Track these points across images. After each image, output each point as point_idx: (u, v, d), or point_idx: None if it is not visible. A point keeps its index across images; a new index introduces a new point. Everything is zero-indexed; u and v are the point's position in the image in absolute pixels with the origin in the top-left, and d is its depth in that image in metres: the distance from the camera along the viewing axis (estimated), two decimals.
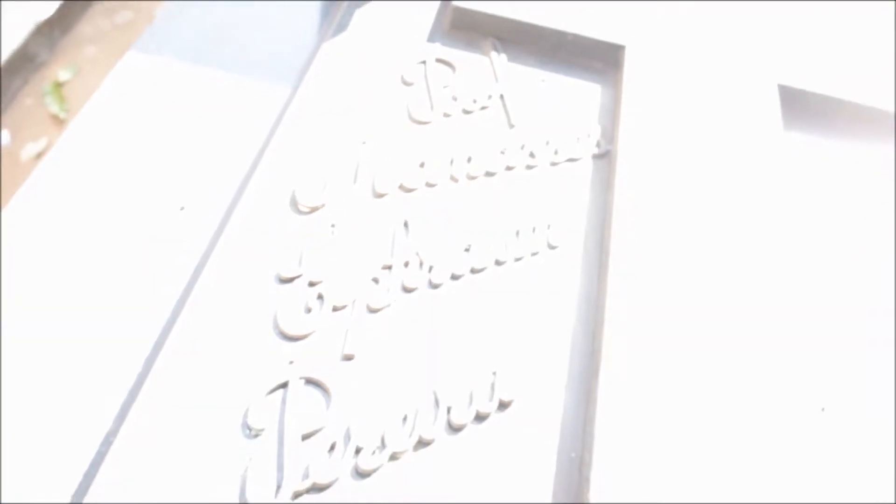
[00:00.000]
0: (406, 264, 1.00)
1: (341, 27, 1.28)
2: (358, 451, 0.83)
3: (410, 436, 0.85)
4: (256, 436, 0.82)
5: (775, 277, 1.03)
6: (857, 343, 1.05)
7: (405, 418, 0.86)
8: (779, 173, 1.16)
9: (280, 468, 0.80)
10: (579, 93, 1.29)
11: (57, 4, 2.64)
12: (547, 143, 1.19)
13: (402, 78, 1.24)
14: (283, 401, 0.85)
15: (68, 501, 0.76)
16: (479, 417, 0.88)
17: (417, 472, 0.83)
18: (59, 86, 2.55)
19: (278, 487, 0.79)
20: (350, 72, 1.21)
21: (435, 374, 0.91)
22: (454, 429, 0.87)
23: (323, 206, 1.03)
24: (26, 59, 2.55)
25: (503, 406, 0.90)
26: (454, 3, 1.33)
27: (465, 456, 0.85)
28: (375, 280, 0.98)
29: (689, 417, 0.88)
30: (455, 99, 1.23)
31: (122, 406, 0.83)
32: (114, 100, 1.13)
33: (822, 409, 0.95)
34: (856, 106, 1.32)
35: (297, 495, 0.79)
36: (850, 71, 1.38)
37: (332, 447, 0.83)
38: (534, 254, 1.05)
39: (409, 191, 1.09)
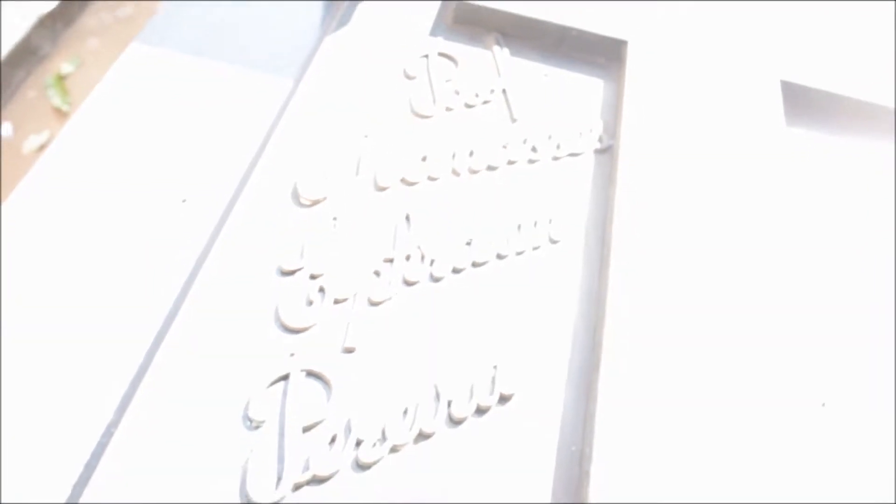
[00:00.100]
0: (407, 258, 1.00)
1: (344, 21, 1.27)
2: (358, 443, 0.83)
3: (411, 429, 0.85)
4: (257, 428, 0.82)
5: (776, 273, 1.03)
6: (858, 338, 1.05)
7: (406, 411, 0.86)
8: (781, 169, 1.16)
9: (281, 460, 0.80)
10: (582, 88, 1.29)
11: None
12: (549, 137, 1.19)
13: (405, 72, 1.24)
14: (284, 393, 0.85)
15: (69, 492, 0.76)
16: (480, 411, 0.88)
17: (418, 465, 0.84)
18: (61, 78, 2.55)
19: (279, 479, 0.79)
20: (352, 65, 1.21)
21: (436, 368, 0.91)
22: (455, 422, 0.87)
23: (325, 199, 1.03)
24: (29, 52, 2.55)
25: (504, 400, 0.90)
26: None
27: (465, 449, 0.85)
28: (377, 273, 0.98)
29: (690, 413, 0.89)
30: (457, 93, 1.23)
31: (123, 397, 0.83)
32: (116, 93, 1.13)
33: (823, 405, 0.95)
34: (858, 102, 1.32)
35: (297, 487, 0.79)
36: (853, 67, 1.38)
37: (333, 439, 0.83)
38: (535, 248, 1.05)
39: (411, 184, 1.09)
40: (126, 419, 0.80)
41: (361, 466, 0.82)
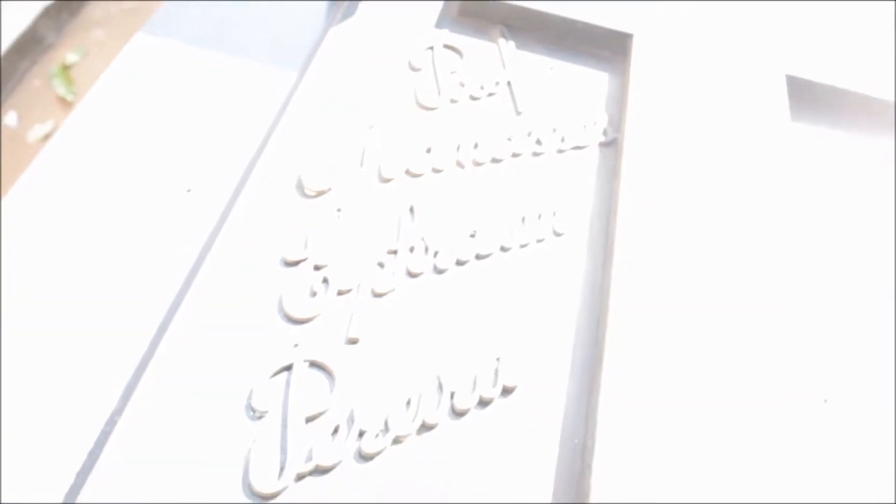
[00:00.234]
0: (411, 249, 1.00)
1: (349, 12, 1.27)
2: (361, 434, 0.83)
3: (414, 420, 0.85)
4: (260, 418, 0.82)
5: (780, 268, 1.03)
6: (861, 334, 1.05)
7: (409, 402, 0.87)
8: (786, 164, 1.15)
9: (283, 450, 0.80)
10: (587, 81, 1.29)
11: None
12: (554, 130, 1.18)
13: (410, 63, 1.24)
14: (287, 383, 0.85)
15: (72, 481, 0.76)
16: (483, 403, 0.89)
17: (420, 456, 0.84)
18: (66, 68, 2.55)
19: (281, 469, 0.79)
20: (357, 57, 1.21)
21: (439, 359, 0.91)
22: (457, 414, 0.87)
23: (329, 190, 1.03)
24: (34, 41, 2.55)
25: (507, 392, 0.90)
26: None
27: (467, 441, 0.86)
28: (381, 265, 0.98)
29: (693, 407, 0.89)
30: (462, 85, 1.22)
31: (126, 387, 0.83)
32: (121, 83, 1.13)
33: (825, 401, 0.95)
34: (864, 97, 1.32)
35: (300, 477, 0.79)
36: (859, 62, 1.38)
37: (336, 430, 0.83)
38: (539, 241, 1.05)
39: (416, 176, 1.09)
40: (129, 408, 0.80)
41: (364, 457, 0.82)
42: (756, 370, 0.93)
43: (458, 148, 1.13)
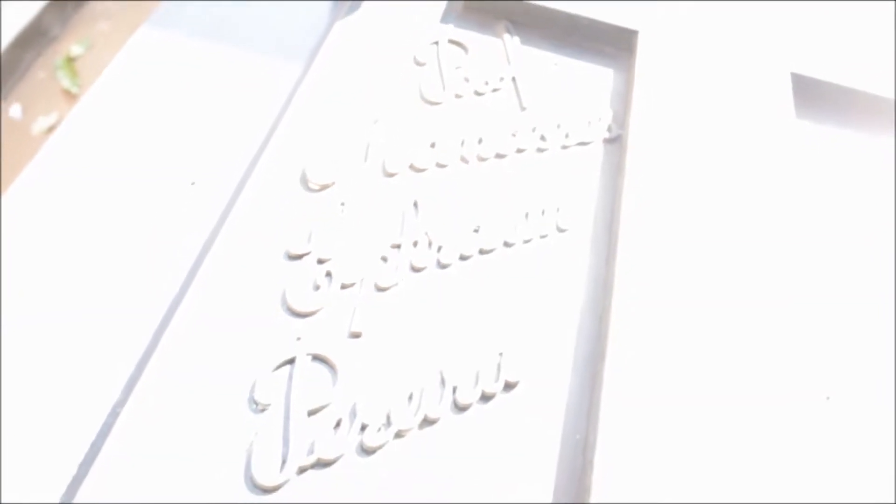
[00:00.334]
0: (415, 244, 1.00)
1: (355, 7, 1.27)
2: (363, 428, 0.83)
3: (416, 414, 0.85)
4: (263, 410, 0.82)
5: (783, 265, 1.03)
6: (864, 331, 1.05)
7: (411, 397, 0.87)
8: (790, 161, 1.15)
9: (286, 443, 0.80)
10: (591, 77, 1.29)
11: None
12: (558, 126, 1.18)
13: (415, 58, 1.24)
14: (290, 376, 0.85)
15: (75, 471, 0.76)
16: (485, 398, 0.89)
17: (422, 450, 0.84)
18: (71, 60, 2.55)
19: (283, 462, 0.79)
20: (363, 51, 1.21)
21: (441, 354, 0.91)
22: (460, 408, 0.87)
23: (333, 184, 1.03)
24: (39, 33, 2.54)
25: (509, 387, 0.90)
26: None
27: (469, 436, 0.86)
28: (384, 259, 0.98)
29: (695, 404, 0.89)
30: (467, 80, 1.22)
31: (129, 378, 0.83)
32: (125, 75, 1.13)
33: (828, 398, 0.95)
34: (868, 95, 1.32)
35: (302, 470, 0.79)
36: (864, 60, 1.37)
37: (338, 423, 0.83)
38: (543, 236, 1.05)
39: (420, 171, 1.09)
40: (132, 400, 0.80)
41: (366, 451, 0.82)
42: (758, 367, 0.93)
43: (462, 143, 1.13)
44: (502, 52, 1.29)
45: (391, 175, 1.07)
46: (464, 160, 1.11)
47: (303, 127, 1.08)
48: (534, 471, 0.85)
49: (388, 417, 0.84)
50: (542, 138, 1.17)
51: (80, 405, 0.80)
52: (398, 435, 0.84)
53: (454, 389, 0.88)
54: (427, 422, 0.86)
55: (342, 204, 1.02)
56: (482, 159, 1.12)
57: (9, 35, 2.40)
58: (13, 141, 2.28)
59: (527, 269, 1.02)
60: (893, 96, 1.32)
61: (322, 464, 0.80)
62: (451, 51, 1.27)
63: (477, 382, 0.89)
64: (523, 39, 1.31)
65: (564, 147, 1.17)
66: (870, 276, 1.12)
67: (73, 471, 0.76)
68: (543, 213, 1.07)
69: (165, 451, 0.78)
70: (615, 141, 1.19)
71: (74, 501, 0.74)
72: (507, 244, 1.03)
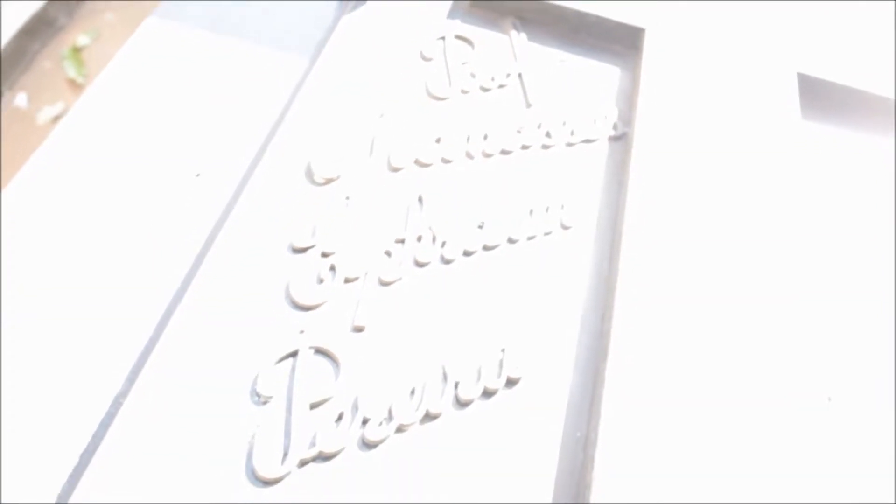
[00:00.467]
0: (419, 239, 1.00)
1: (361, 1, 1.27)
2: (365, 422, 0.83)
3: (417, 409, 0.85)
4: (265, 403, 0.83)
5: (786, 266, 1.03)
6: (866, 332, 1.05)
7: (413, 391, 0.87)
8: (794, 162, 1.15)
9: (287, 435, 0.81)
10: (598, 75, 1.29)
11: None
12: (564, 123, 1.18)
13: (422, 53, 1.24)
14: (293, 369, 0.86)
15: (76, 461, 0.76)
16: (487, 393, 0.89)
17: (423, 445, 0.84)
18: (77, 50, 2.55)
19: (285, 455, 0.79)
20: (369, 45, 1.21)
21: (444, 349, 0.91)
22: (461, 404, 0.87)
23: (338, 177, 1.03)
24: (45, 23, 2.54)
25: (511, 383, 0.90)
26: None
27: (471, 431, 0.86)
28: (388, 253, 0.98)
29: (696, 403, 0.89)
30: (473, 76, 1.22)
31: (131, 370, 0.83)
32: (131, 66, 1.13)
33: (829, 399, 0.95)
34: (875, 97, 1.32)
35: (303, 463, 0.80)
36: (870, 62, 1.37)
37: (340, 417, 0.83)
38: (547, 233, 1.05)
39: (425, 166, 1.09)
40: (134, 391, 0.80)
41: (367, 445, 0.82)
42: (760, 367, 0.93)
43: (467, 139, 1.13)
44: (509, 48, 1.29)
45: (396, 170, 1.07)
46: (469, 156, 1.12)
47: (308, 120, 1.08)
48: (534, 467, 0.85)
49: (390, 412, 0.85)
50: (548, 135, 1.17)
51: (83, 395, 0.80)
52: (399, 429, 0.84)
53: (456, 385, 0.88)
54: (429, 417, 0.86)
55: (347, 198, 1.02)
56: (487, 155, 1.12)
57: (16, 24, 2.40)
58: (19, 130, 2.28)
59: (530, 265, 1.02)
60: None
61: (323, 457, 0.81)
62: (457, 46, 1.27)
63: (479, 378, 0.89)
64: (530, 36, 1.31)
65: (570, 144, 1.17)
66: (872, 277, 1.12)
67: (75, 461, 0.76)
68: (548, 210, 1.07)
69: (167, 442, 0.78)
70: (620, 139, 1.19)
71: (77, 492, 0.74)
72: (511, 241, 1.03)
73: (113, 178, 0.99)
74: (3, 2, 2.39)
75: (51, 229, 0.93)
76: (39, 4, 2.49)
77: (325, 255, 0.96)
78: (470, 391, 0.88)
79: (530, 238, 1.04)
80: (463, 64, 1.24)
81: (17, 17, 2.42)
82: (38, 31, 2.51)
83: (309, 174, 1.03)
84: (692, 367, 0.91)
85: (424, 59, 1.23)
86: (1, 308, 0.85)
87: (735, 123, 1.19)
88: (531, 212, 1.06)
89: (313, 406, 0.83)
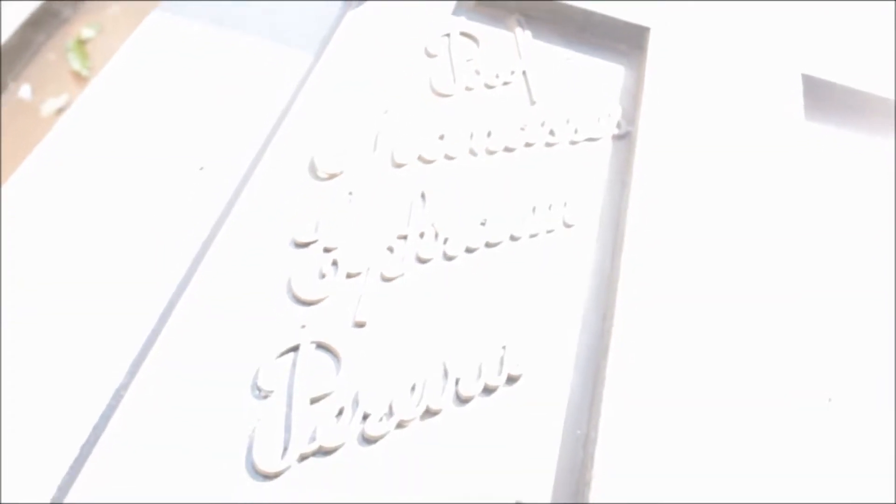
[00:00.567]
0: (421, 235, 1.00)
1: None
2: (365, 417, 0.83)
3: (418, 405, 0.86)
4: (266, 397, 0.83)
5: (788, 267, 1.03)
6: (867, 333, 1.05)
7: (413, 387, 0.87)
8: (797, 163, 1.15)
9: (287, 430, 0.81)
10: (602, 73, 1.29)
11: None
12: (567, 121, 1.18)
13: (426, 50, 1.24)
14: (294, 364, 0.86)
15: (77, 452, 0.76)
16: (487, 390, 0.89)
17: (423, 441, 0.84)
18: (82, 43, 2.54)
19: (285, 449, 0.79)
20: (374, 42, 1.21)
21: (445, 346, 0.91)
22: (462, 400, 0.88)
23: (341, 173, 1.03)
24: (50, 15, 2.54)
25: (511, 380, 0.90)
26: None
27: (471, 427, 0.86)
28: (390, 249, 0.98)
29: (696, 403, 0.89)
30: (478, 73, 1.22)
31: (132, 363, 0.83)
32: (136, 59, 1.13)
33: (829, 400, 0.95)
34: (878, 98, 1.31)
35: (303, 458, 0.80)
36: (874, 63, 1.37)
37: (340, 412, 0.83)
38: (549, 231, 1.05)
39: (428, 162, 1.09)
40: (135, 384, 0.80)
41: (367, 440, 0.82)
42: (761, 367, 0.93)
43: (471, 136, 1.13)
44: (514, 45, 1.28)
45: (399, 166, 1.07)
46: (472, 153, 1.12)
47: (312, 116, 1.08)
48: (534, 464, 0.85)
49: (391, 407, 0.85)
50: (551, 133, 1.17)
51: (85, 387, 0.81)
52: (400, 425, 0.84)
53: (457, 381, 0.88)
54: (429, 413, 0.86)
55: (350, 193, 1.02)
56: (491, 152, 1.12)
57: (20, 16, 2.40)
58: (22, 122, 2.28)
59: (532, 263, 1.02)
60: None
61: (323, 451, 0.81)
62: (462, 43, 1.27)
63: (480, 375, 0.89)
64: (535, 34, 1.31)
65: (573, 142, 1.17)
66: (874, 279, 1.12)
67: (76, 452, 0.76)
68: (550, 207, 1.07)
69: (168, 435, 0.78)
70: (624, 138, 1.19)
71: (78, 482, 0.74)
72: (513, 238, 1.03)
73: (116, 171, 0.99)
74: None
75: (54, 221, 0.93)
76: None
77: (327, 250, 0.96)
78: (470, 388, 0.88)
79: (532, 235, 1.04)
80: (468, 61, 1.24)
81: (23, 8, 2.42)
82: (43, 22, 2.50)
83: (312, 169, 1.03)
84: (692, 367, 0.91)
85: (429, 55, 1.23)
86: (2, 300, 0.85)
87: (738, 124, 1.19)
88: (534, 209, 1.06)
89: (314, 401, 0.84)
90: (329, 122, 1.08)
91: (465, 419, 0.87)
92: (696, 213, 1.06)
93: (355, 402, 0.84)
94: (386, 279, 0.95)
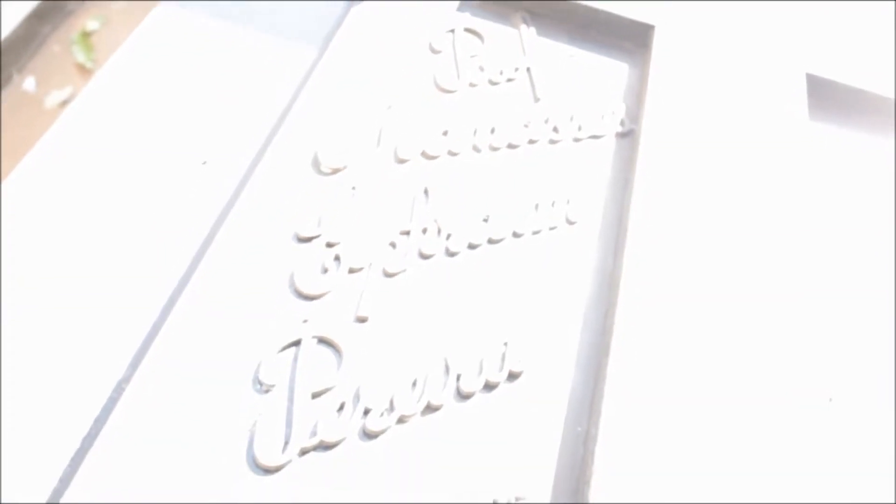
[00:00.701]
0: (424, 231, 1.00)
1: None
2: (366, 412, 0.84)
3: (419, 400, 0.86)
4: (267, 391, 0.83)
5: (790, 265, 1.03)
6: (868, 333, 1.05)
7: (415, 383, 0.87)
8: (801, 163, 1.15)
9: (289, 424, 0.81)
10: (606, 70, 1.29)
11: None
12: (571, 118, 1.18)
13: (430, 45, 1.24)
14: (295, 358, 0.86)
15: (78, 445, 0.77)
16: (489, 387, 0.89)
17: (424, 436, 0.84)
18: (86, 35, 2.55)
19: (286, 443, 0.79)
20: (378, 37, 1.21)
21: (447, 341, 0.91)
22: (463, 396, 0.88)
23: (344, 168, 1.03)
24: (55, 7, 2.54)
25: (513, 377, 0.90)
26: None
27: (472, 424, 0.86)
28: (393, 245, 0.98)
29: (697, 402, 0.89)
30: (482, 69, 1.22)
31: (135, 357, 0.83)
32: (140, 52, 1.13)
33: (830, 399, 0.95)
34: (883, 98, 1.31)
35: (304, 452, 0.80)
36: (879, 63, 1.37)
37: (341, 407, 0.84)
38: (552, 228, 1.05)
39: (431, 158, 1.09)
40: (137, 376, 0.80)
41: (368, 435, 0.83)
42: (762, 366, 0.93)
43: (474, 132, 1.13)
44: (518, 42, 1.28)
45: (403, 161, 1.07)
46: (476, 149, 1.12)
47: (316, 110, 1.08)
48: (535, 461, 0.85)
49: (392, 403, 0.85)
50: (555, 130, 1.17)
51: (86, 380, 0.81)
52: (401, 420, 0.84)
53: (458, 377, 0.88)
54: (430, 408, 0.86)
55: (353, 188, 1.02)
56: (494, 149, 1.12)
57: (25, 8, 2.40)
58: (26, 114, 2.28)
59: (535, 260, 1.02)
60: None
61: (324, 446, 0.81)
62: (466, 39, 1.27)
63: (481, 371, 0.89)
64: (539, 30, 1.31)
65: (577, 140, 1.17)
66: (875, 278, 1.12)
67: (77, 445, 0.77)
68: (553, 204, 1.07)
69: (169, 428, 0.78)
70: (628, 135, 1.19)
71: (78, 476, 0.74)
72: (516, 234, 1.03)
73: (119, 164, 0.99)
74: None
75: (56, 214, 0.93)
76: None
77: (329, 245, 0.96)
78: (472, 384, 0.88)
79: (535, 232, 1.04)
80: (472, 57, 1.24)
81: (28, 1, 2.42)
82: (48, 14, 2.51)
83: (315, 164, 1.03)
84: (694, 365, 0.92)
85: (433, 51, 1.23)
86: (3, 293, 0.86)
87: (742, 123, 1.19)
88: (537, 206, 1.06)
89: (315, 395, 0.84)
90: (332, 118, 1.08)
91: (465, 415, 0.87)
92: (699, 211, 1.06)
93: (356, 397, 0.84)
94: (388, 275, 0.96)
